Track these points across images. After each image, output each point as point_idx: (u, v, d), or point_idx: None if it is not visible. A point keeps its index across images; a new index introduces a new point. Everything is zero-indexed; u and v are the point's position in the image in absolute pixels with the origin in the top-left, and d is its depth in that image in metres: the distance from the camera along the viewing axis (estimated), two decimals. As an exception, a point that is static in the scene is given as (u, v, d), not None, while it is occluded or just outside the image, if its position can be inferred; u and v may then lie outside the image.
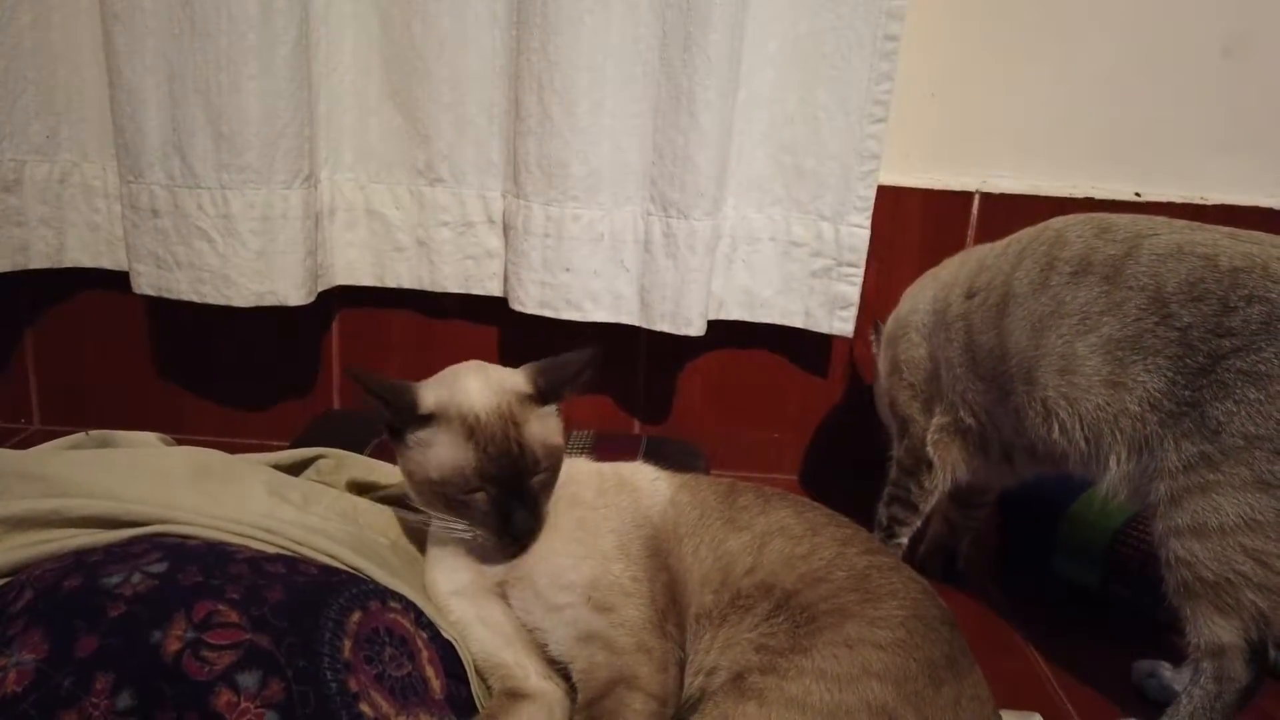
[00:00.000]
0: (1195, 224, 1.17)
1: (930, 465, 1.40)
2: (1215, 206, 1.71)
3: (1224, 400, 1.05)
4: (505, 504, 1.02)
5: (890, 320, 1.51)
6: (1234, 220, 1.70)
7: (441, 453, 1.02)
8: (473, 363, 1.13)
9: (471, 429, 1.02)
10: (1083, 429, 1.16)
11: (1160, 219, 1.20)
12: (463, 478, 1.02)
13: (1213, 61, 1.68)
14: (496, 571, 1.09)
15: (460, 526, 1.04)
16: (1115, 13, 1.67)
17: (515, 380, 1.10)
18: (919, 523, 1.45)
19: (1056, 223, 1.27)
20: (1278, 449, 1.02)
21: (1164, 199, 1.72)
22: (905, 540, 1.45)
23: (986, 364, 1.29)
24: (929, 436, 1.39)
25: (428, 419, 1.03)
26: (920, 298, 1.45)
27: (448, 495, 1.03)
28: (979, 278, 1.32)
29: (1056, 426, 1.19)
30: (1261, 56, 1.67)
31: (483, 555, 1.08)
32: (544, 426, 1.08)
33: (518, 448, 1.03)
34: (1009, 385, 1.25)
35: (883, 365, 1.51)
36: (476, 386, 1.06)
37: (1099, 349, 1.14)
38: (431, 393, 1.06)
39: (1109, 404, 1.14)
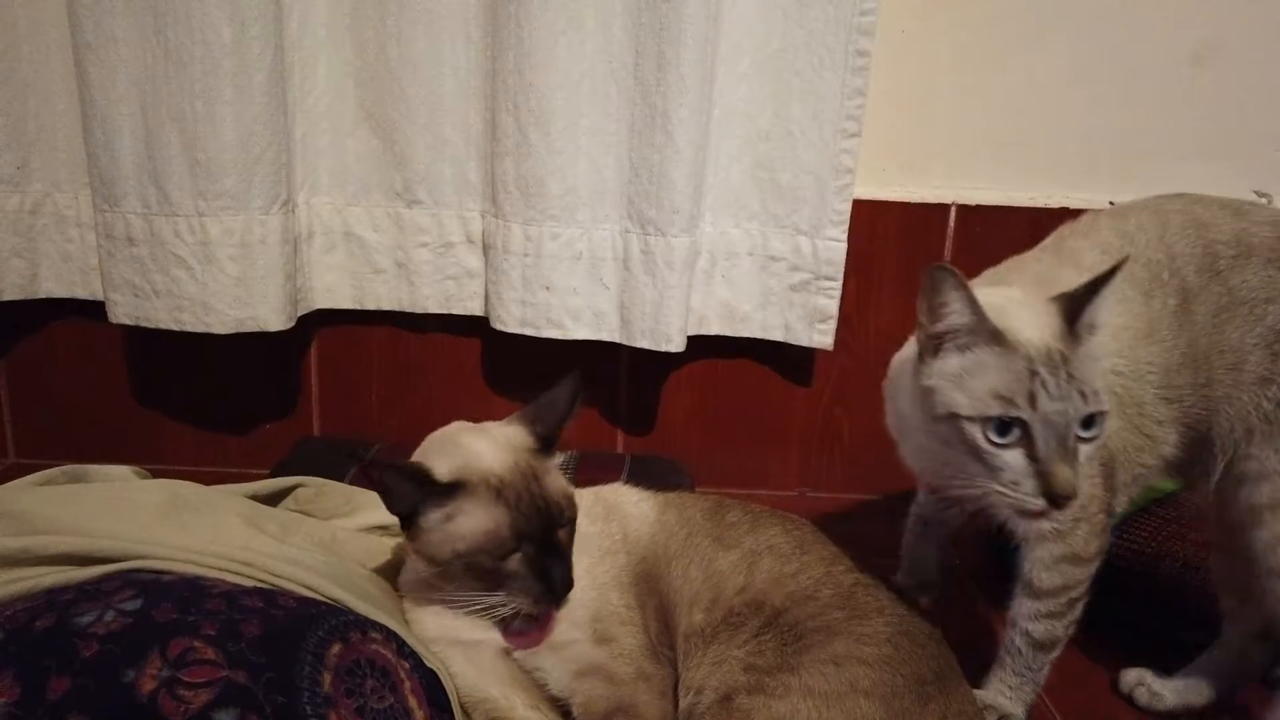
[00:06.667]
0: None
1: None
2: (1188, 213, 1.73)
3: None
4: (542, 562, 0.98)
5: None
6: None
7: (469, 520, 0.97)
8: (460, 424, 1.08)
9: (498, 490, 0.98)
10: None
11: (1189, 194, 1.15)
12: (498, 540, 0.97)
13: (1183, 69, 1.70)
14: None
15: (494, 600, 0.99)
16: (1086, 23, 1.68)
17: (519, 435, 1.06)
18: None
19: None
20: None
21: (1138, 206, 1.73)
22: None
23: None
24: None
25: (446, 492, 0.98)
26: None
27: (481, 565, 0.97)
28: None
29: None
30: (1230, 63, 1.70)
31: (502, 626, 1.02)
32: (557, 478, 1.05)
33: (544, 502, 1.00)
34: None
35: None
36: (487, 448, 1.02)
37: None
38: (441, 462, 1.00)
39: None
